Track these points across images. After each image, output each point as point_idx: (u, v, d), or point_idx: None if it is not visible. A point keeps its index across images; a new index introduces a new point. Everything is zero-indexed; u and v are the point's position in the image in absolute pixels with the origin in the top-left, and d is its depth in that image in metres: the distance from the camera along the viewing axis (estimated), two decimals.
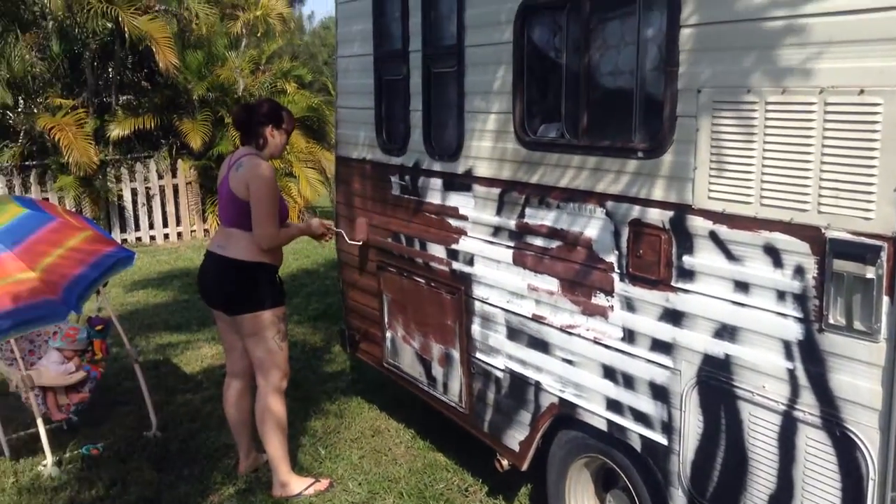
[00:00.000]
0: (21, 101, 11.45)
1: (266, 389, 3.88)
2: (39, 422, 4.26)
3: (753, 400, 2.34)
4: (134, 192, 11.63)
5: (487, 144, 3.37)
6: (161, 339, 6.63)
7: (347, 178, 4.56)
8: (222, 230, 3.85)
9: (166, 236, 11.91)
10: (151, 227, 11.85)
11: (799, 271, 2.18)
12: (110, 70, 11.98)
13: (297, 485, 3.94)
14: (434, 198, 3.76)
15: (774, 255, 2.24)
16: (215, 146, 11.30)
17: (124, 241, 11.33)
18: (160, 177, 11.74)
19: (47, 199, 10.44)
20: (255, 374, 3.93)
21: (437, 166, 3.72)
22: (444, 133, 3.71)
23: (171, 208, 11.87)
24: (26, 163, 11.26)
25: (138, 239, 11.71)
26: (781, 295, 2.23)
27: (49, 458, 4.22)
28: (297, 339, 6.38)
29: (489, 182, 3.39)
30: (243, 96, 11.52)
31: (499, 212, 3.34)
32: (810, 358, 2.18)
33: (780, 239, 2.22)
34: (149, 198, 11.74)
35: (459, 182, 3.57)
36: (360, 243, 4.33)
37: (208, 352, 6.20)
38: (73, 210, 10.27)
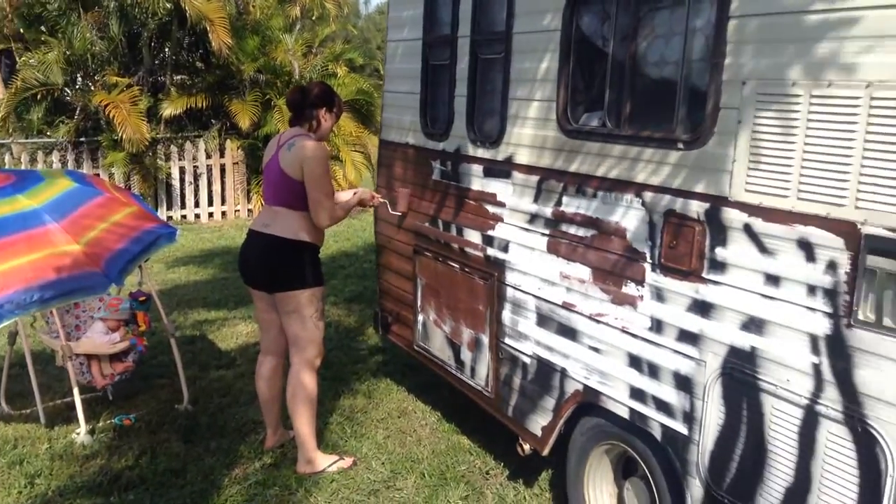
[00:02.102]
0: (79, 79, 11.76)
1: (300, 366, 3.94)
2: (75, 391, 4.37)
3: (777, 393, 2.34)
4: (182, 171, 11.86)
5: (529, 132, 3.40)
6: (199, 315, 6.76)
7: (389, 161, 4.63)
8: (268, 209, 3.92)
9: (211, 215, 12.13)
10: (197, 205, 12.07)
11: (831, 266, 2.18)
12: (166, 50, 12.24)
13: (322, 461, 4.00)
14: (473, 184, 3.81)
15: (808, 249, 2.24)
16: (262, 127, 11.48)
17: (170, 218, 11.57)
18: (208, 156, 11.96)
19: (97, 175, 10.71)
20: (290, 351, 4.00)
21: (478, 152, 3.76)
22: (487, 119, 3.75)
23: (216, 187, 12.09)
24: (80, 139, 11.56)
25: (184, 217, 11.94)
26: (812, 289, 2.23)
27: (83, 427, 4.32)
28: (332, 319, 6.46)
29: (528, 169, 3.42)
30: (294, 79, 11.68)
31: (536, 199, 3.37)
32: (837, 353, 2.18)
33: (815, 233, 2.22)
34: (196, 176, 11.97)
35: (499, 168, 3.60)
36: (401, 213, 4.37)
37: (244, 329, 6.32)
38: (122, 186, 10.53)
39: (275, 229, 3.83)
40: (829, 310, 2.20)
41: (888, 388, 2.06)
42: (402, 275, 4.53)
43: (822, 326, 2.21)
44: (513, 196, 3.52)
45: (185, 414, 4.66)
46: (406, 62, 4.38)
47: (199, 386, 5.07)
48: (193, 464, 4.08)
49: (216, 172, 12.03)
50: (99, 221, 4.38)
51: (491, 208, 3.67)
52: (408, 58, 4.35)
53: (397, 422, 4.57)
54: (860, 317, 2.12)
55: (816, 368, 2.24)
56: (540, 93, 3.31)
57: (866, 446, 2.12)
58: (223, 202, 12.22)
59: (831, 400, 2.20)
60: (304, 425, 3.96)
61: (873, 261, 2.08)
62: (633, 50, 2.85)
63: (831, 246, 2.18)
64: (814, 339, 2.24)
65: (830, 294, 2.19)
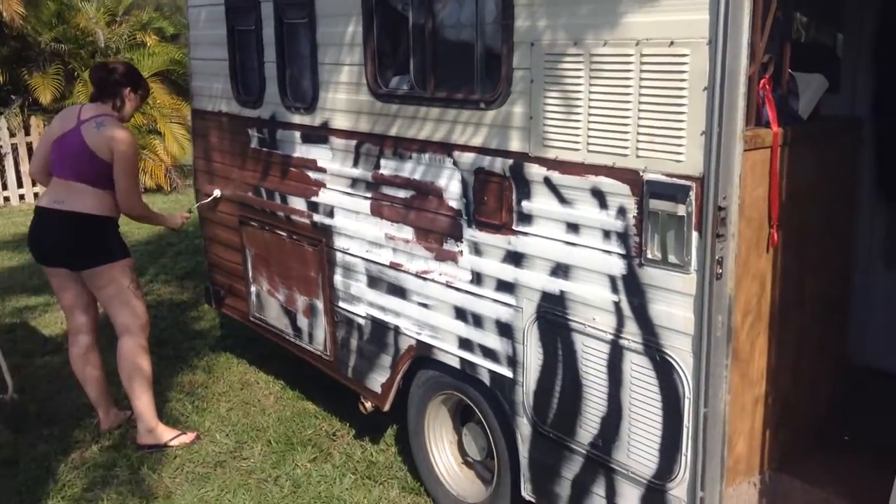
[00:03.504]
0: None
1: (128, 340, 3.90)
2: None
3: (585, 331, 2.54)
4: None
5: (342, 97, 3.40)
6: (18, 302, 6.33)
7: (205, 131, 4.48)
8: (61, 184, 3.78)
9: (22, 197, 11.22)
10: (5, 187, 11.12)
11: (621, 211, 2.37)
12: None
13: (164, 433, 3.95)
14: (293, 150, 3.77)
15: (600, 197, 2.42)
16: (67, 100, 10.69)
17: None
18: (12, 134, 11.00)
19: None
20: (116, 328, 3.92)
21: (294, 119, 3.72)
22: (300, 85, 3.71)
23: (25, 167, 11.17)
24: None
25: None
26: (607, 234, 2.42)
27: None
28: (165, 297, 6.26)
29: (345, 134, 3.43)
30: (100, 48, 10.93)
31: (356, 163, 3.39)
32: (632, 290, 2.38)
33: (605, 182, 2.39)
34: (0, 157, 11.00)
35: (316, 134, 3.59)
36: (216, 195, 4.37)
37: None
38: None
39: (73, 205, 3.73)
40: (622, 251, 2.39)
41: (677, 319, 2.28)
42: (230, 246, 4.45)
43: (618, 267, 2.41)
44: (333, 161, 3.52)
45: (10, 403, 4.41)
46: (210, 28, 4.22)
47: (25, 374, 4.81)
48: (27, 452, 3.92)
49: (23, 152, 11.08)
50: None
51: (313, 174, 3.66)
52: (212, 23, 4.20)
53: (240, 393, 4.53)
54: (649, 256, 2.32)
55: (617, 306, 2.44)
56: (349, 57, 3.30)
57: (664, 372, 2.35)
58: (34, 183, 11.31)
59: (631, 334, 2.41)
60: (141, 396, 3.91)
61: (655, 204, 2.27)
62: (432, 14, 2.90)
63: (619, 193, 2.36)
64: (612, 280, 2.43)
65: (623, 237, 2.38)
